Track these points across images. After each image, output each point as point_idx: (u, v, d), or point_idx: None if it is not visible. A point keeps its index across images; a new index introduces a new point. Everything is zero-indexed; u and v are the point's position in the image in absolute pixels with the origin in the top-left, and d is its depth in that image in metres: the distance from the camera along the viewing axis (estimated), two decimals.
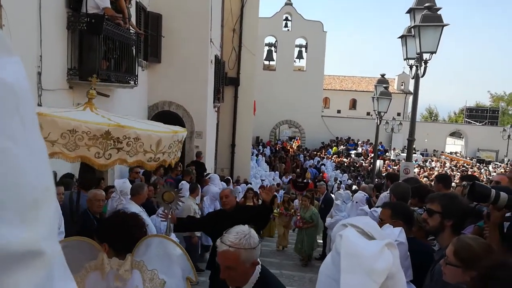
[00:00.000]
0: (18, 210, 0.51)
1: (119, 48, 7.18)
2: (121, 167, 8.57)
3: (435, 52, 7.57)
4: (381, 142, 27.56)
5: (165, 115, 11.23)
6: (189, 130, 11.23)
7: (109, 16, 6.56)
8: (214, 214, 4.97)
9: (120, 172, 8.53)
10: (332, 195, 12.62)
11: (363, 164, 26.03)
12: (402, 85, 38.56)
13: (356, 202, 6.52)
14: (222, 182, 11.16)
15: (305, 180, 15.48)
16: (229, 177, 13.41)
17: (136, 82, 8.19)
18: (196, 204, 7.10)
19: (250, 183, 15.49)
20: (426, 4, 7.66)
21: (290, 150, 28.92)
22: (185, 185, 7.28)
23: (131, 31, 7.85)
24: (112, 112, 7.90)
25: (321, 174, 21.25)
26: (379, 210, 5.03)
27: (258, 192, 11.49)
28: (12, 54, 0.54)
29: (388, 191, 5.18)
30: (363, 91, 38.93)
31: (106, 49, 6.70)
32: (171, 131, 3.87)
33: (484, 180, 21.01)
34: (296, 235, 9.43)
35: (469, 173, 25.09)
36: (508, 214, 2.37)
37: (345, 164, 25.59)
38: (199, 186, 7.45)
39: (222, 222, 4.10)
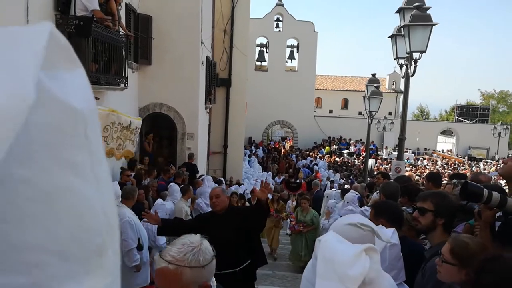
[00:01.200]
0: (82, 260, 0.43)
1: (109, 50, 7.14)
2: (112, 168, 8.52)
3: (424, 51, 7.62)
4: (373, 141, 27.66)
5: (156, 117, 11.19)
6: (181, 132, 11.20)
7: (98, 18, 6.52)
8: (203, 216, 4.49)
9: (111, 175, 8.47)
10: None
11: (356, 163, 26.12)
12: (393, 84, 38.78)
13: (347, 202, 6.52)
14: (215, 184, 11.14)
15: (297, 181, 15.43)
16: (221, 179, 13.39)
17: (126, 84, 8.15)
18: (188, 206, 7.07)
19: (243, 184, 15.48)
20: (416, 4, 7.71)
21: (283, 150, 28.91)
22: (173, 186, 7.25)
23: (120, 33, 7.81)
24: None
25: (314, 174, 21.28)
26: (370, 209, 5.06)
27: (250, 196, 11.45)
28: (77, 66, 0.46)
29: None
30: (355, 90, 39.09)
31: (95, 52, 6.66)
32: (106, 109, 3.36)
33: None
34: (291, 239, 8.66)
35: (461, 171, 25.31)
36: (499, 214, 2.37)
37: (338, 163, 25.65)
38: (190, 187, 7.42)
39: (213, 226, 3.83)
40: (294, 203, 11.40)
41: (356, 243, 1.52)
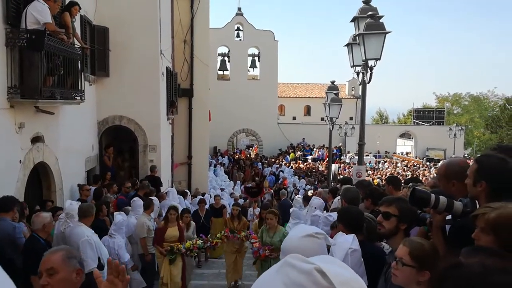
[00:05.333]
0: None
1: (63, 63, 6.92)
2: (72, 185, 8.24)
3: (379, 59, 7.84)
4: (335, 146, 28.19)
5: (116, 129, 10.93)
6: (142, 144, 10.98)
7: (51, 31, 6.32)
8: None
9: (70, 191, 8.18)
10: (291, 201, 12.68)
11: (320, 169, 26.51)
12: (353, 90, 39.84)
13: (315, 208, 6.50)
14: (179, 196, 10.97)
15: (256, 187, 14.80)
16: (187, 190, 13.23)
17: (83, 98, 7.92)
18: (151, 220, 6.92)
19: (208, 194, 15.29)
20: (369, 13, 7.94)
21: (245, 159, 28.82)
22: (137, 201, 7.09)
23: (76, 45, 7.60)
24: (59, 129, 7.61)
25: (281, 181, 21.38)
26: (333, 214, 5.12)
27: (214, 200, 11.04)
28: None
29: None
30: (317, 97, 39.83)
31: (49, 65, 6.43)
32: None
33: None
34: (257, 269, 6.95)
35: (420, 172, 26.24)
36: (448, 217, 2.46)
37: (303, 169, 25.94)
38: (153, 201, 7.25)
39: None
40: (256, 210, 10.91)
41: (315, 253, 1.52)
